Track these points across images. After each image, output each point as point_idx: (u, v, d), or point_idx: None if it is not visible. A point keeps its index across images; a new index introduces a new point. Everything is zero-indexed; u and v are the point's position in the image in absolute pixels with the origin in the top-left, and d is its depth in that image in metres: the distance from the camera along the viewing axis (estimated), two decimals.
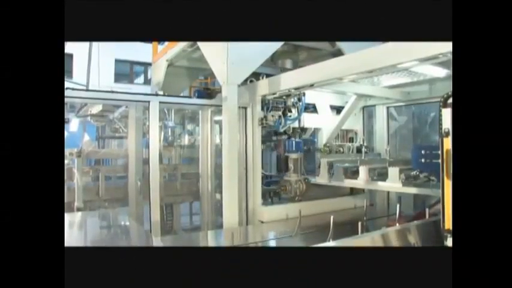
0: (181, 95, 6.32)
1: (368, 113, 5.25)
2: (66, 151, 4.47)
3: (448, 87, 1.84)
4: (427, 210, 3.20)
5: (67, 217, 3.34)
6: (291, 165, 4.30)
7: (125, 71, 17.30)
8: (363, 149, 4.51)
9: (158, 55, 5.92)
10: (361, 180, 3.81)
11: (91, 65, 9.47)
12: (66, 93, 3.60)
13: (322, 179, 4.22)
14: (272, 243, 3.45)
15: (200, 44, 4.43)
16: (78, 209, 4.39)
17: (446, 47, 2.21)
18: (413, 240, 2.85)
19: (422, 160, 3.19)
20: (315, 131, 5.02)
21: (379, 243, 2.65)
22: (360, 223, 2.96)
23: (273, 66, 5.01)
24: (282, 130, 4.40)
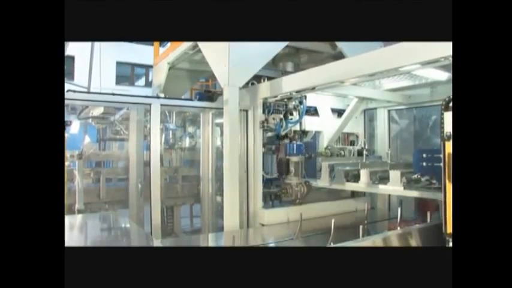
0: (183, 97, 6.32)
1: (369, 116, 5.24)
2: (67, 153, 4.47)
3: (449, 91, 1.83)
4: None
5: (68, 219, 3.33)
6: (292, 168, 4.28)
7: (126, 73, 17.33)
8: (364, 152, 4.50)
9: (159, 57, 5.92)
10: (363, 184, 3.79)
11: (92, 67, 9.48)
12: (68, 95, 3.60)
13: (323, 182, 4.21)
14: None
15: (201, 46, 4.43)
16: (79, 211, 4.39)
17: (448, 50, 2.20)
18: (415, 244, 2.83)
19: (424, 163, 3.18)
20: (316, 134, 5.01)
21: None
22: (361, 226, 2.95)
23: (274, 68, 5.01)
24: (283, 133, 4.39)
